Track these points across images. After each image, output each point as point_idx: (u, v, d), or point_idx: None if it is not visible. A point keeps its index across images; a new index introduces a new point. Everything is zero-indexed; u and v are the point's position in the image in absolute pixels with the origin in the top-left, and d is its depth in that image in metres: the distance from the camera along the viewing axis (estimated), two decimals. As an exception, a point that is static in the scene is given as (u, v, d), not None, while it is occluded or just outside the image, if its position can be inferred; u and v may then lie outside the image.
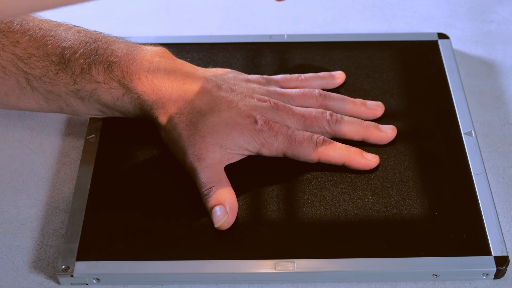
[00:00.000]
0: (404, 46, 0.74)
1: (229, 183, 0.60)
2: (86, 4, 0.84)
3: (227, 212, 0.59)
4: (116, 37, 0.64)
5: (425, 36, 0.75)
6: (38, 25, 0.62)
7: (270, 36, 0.76)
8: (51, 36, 0.61)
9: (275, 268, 0.57)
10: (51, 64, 0.61)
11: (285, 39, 0.75)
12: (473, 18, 0.81)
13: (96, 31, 0.64)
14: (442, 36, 0.75)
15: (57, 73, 0.61)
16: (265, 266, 0.57)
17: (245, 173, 0.63)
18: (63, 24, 0.63)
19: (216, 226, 0.58)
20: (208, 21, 0.81)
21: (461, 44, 0.77)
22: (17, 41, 0.60)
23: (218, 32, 0.79)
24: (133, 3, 0.84)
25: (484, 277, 0.57)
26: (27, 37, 0.61)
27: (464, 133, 0.65)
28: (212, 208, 0.59)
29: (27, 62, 0.60)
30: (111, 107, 0.63)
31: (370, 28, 0.80)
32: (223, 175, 0.61)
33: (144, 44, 0.65)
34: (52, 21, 0.63)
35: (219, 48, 0.74)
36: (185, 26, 0.81)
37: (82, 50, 0.61)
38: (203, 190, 0.60)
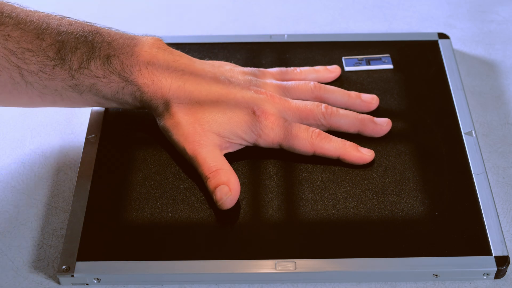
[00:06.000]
0: (404, 46, 0.74)
1: (231, 166, 0.61)
2: (85, 4, 0.84)
3: (230, 190, 0.59)
4: (108, 28, 0.63)
5: (425, 36, 0.75)
6: (27, 17, 0.60)
7: (270, 36, 0.76)
8: (43, 29, 0.60)
9: (275, 268, 0.57)
10: (46, 59, 0.60)
11: (285, 39, 0.75)
12: (473, 18, 0.81)
13: (86, 21, 0.63)
14: (442, 36, 0.75)
15: (53, 68, 0.60)
16: (265, 266, 0.57)
17: (245, 173, 0.63)
18: (52, 15, 0.62)
19: (218, 204, 0.59)
20: (208, 21, 0.81)
21: (461, 44, 0.77)
22: (8, 35, 0.59)
23: (218, 32, 0.79)
24: (133, 3, 0.84)
25: (485, 277, 0.57)
26: (18, 31, 0.59)
27: (465, 133, 0.65)
28: (215, 188, 0.59)
29: (21, 57, 0.59)
30: (110, 99, 0.63)
31: (370, 28, 0.80)
32: (225, 160, 0.61)
33: (137, 35, 0.64)
34: (40, 12, 0.61)
35: (219, 48, 0.74)
36: (185, 26, 0.81)
37: (78, 44, 0.60)
38: (207, 174, 0.60)
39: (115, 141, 0.66)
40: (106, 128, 0.66)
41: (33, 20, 0.60)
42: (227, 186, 0.59)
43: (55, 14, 0.62)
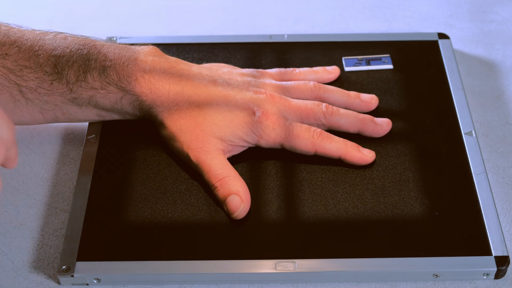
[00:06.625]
0: (404, 46, 0.74)
1: (237, 172, 0.61)
2: (85, 4, 0.84)
3: (242, 200, 0.59)
4: (102, 40, 0.64)
5: (425, 36, 0.75)
6: (23, 35, 0.61)
7: (270, 36, 0.76)
8: (39, 45, 0.60)
9: (275, 268, 0.57)
10: (44, 74, 0.60)
11: (285, 39, 0.75)
12: (473, 18, 0.81)
13: (81, 35, 0.63)
14: (442, 36, 0.75)
15: (51, 83, 0.60)
16: (265, 266, 0.57)
17: (245, 173, 0.63)
18: (47, 32, 0.62)
19: (233, 216, 0.59)
20: (208, 21, 0.81)
21: (461, 44, 0.77)
22: (6, 54, 0.59)
23: (218, 32, 0.79)
24: (133, 3, 0.84)
25: (485, 277, 0.57)
26: (15, 49, 0.60)
27: (465, 133, 0.65)
28: (226, 198, 0.59)
29: (19, 74, 0.59)
30: (110, 110, 0.63)
31: (370, 28, 0.80)
32: (230, 166, 0.61)
33: (132, 44, 0.65)
34: (35, 30, 0.62)
35: (219, 48, 0.74)
36: (185, 26, 0.81)
37: (74, 57, 0.61)
38: (215, 182, 0.60)
39: (115, 141, 0.66)
40: (106, 128, 0.66)
41: (29, 38, 0.61)
42: (238, 196, 0.59)
43: (50, 31, 0.63)
